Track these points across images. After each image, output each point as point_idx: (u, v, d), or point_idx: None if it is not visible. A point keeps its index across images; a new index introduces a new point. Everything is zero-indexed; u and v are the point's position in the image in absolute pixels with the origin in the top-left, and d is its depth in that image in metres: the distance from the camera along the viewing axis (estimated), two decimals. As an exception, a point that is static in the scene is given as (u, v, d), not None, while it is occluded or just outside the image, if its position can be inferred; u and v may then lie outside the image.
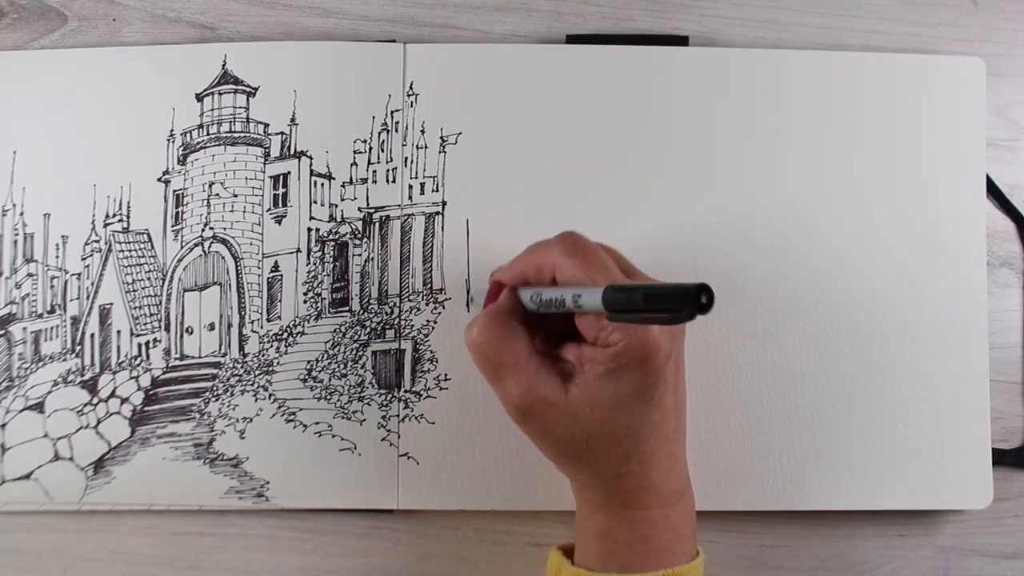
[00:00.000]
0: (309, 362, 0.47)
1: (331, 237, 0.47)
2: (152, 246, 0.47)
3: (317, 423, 0.46)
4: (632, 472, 0.38)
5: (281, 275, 0.47)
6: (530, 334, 0.39)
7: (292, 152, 0.48)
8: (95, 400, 0.47)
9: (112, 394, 0.47)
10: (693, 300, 0.31)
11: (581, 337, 0.38)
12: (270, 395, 0.46)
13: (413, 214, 0.48)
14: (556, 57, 0.48)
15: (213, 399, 0.46)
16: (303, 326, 0.47)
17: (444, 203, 0.47)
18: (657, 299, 0.32)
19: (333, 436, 0.46)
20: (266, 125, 0.48)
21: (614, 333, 0.36)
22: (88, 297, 0.47)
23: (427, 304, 0.47)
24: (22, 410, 0.47)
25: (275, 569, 0.47)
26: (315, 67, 0.48)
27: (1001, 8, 0.51)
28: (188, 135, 0.48)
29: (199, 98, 0.48)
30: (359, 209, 0.47)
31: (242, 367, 0.47)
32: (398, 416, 0.47)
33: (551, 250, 0.38)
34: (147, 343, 0.47)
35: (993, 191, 0.49)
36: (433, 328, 0.47)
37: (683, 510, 0.40)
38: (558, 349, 0.39)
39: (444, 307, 0.47)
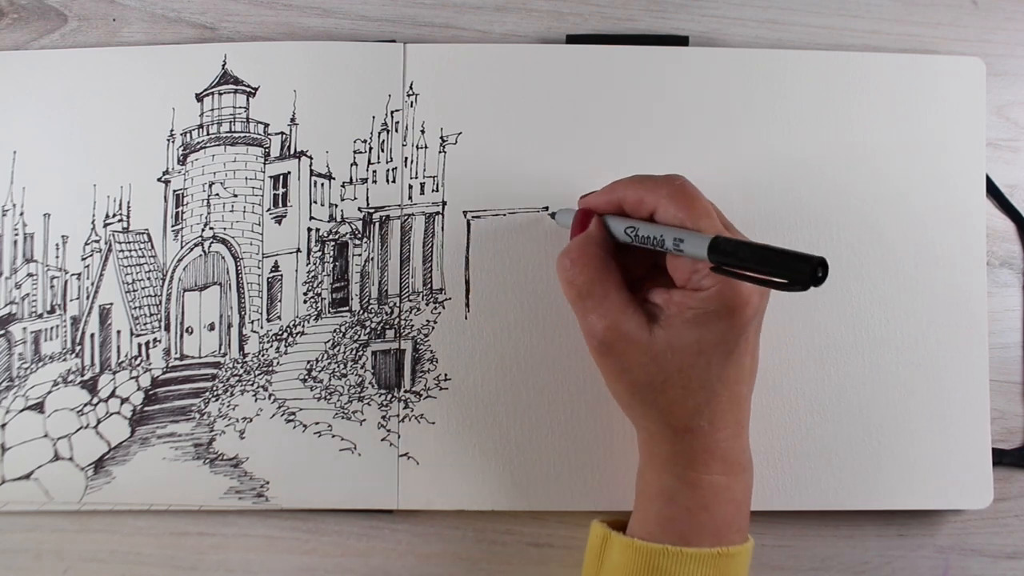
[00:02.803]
0: (309, 362, 0.47)
1: (331, 237, 0.47)
2: (152, 246, 0.47)
3: (317, 423, 0.46)
4: (701, 429, 0.38)
5: (281, 275, 0.47)
6: (617, 266, 0.39)
7: (292, 152, 0.48)
8: (95, 400, 0.47)
9: (112, 394, 0.47)
10: (810, 270, 0.30)
11: (663, 279, 0.39)
12: (270, 395, 0.46)
13: (413, 214, 0.48)
14: (556, 57, 0.48)
15: (213, 399, 0.46)
16: (303, 326, 0.47)
17: (444, 203, 0.47)
18: (769, 262, 0.32)
19: (333, 436, 0.46)
20: (266, 125, 0.48)
21: (706, 279, 0.36)
22: (88, 297, 0.47)
23: (427, 304, 0.47)
24: (22, 410, 0.47)
25: (275, 569, 0.47)
26: (315, 67, 0.48)
27: (1001, 8, 0.51)
28: (188, 135, 0.48)
29: (199, 98, 0.48)
30: (359, 209, 0.47)
31: (242, 367, 0.47)
32: (398, 416, 0.47)
33: (657, 187, 0.38)
34: (147, 343, 0.47)
35: (993, 191, 0.49)
36: (433, 328, 0.47)
37: (744, 484, 0.40)
38: (646, 292, 0.39)
39: (444, 307, 0.47)
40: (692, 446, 0.39)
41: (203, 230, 0.47)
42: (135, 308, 0.47)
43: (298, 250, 0.47)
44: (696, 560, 0.38)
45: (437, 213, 0.47)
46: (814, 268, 0.30)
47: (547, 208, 0.47)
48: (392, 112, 0.48)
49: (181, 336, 0.47)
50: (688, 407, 0.38)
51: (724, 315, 0.36)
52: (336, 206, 0.47)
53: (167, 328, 0.47)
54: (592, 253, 0.39)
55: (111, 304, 0.47)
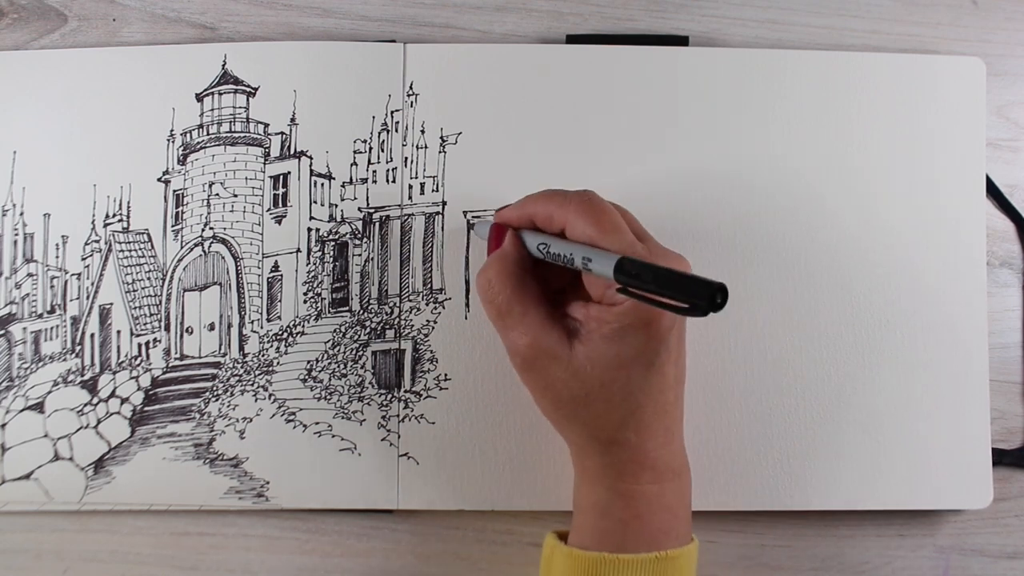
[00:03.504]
0: (309, 362, 0.47)
1: (331, 237, 0.47)
2: (152, 246, 0.47)
3: (317, 423, 0.46)
4: (628, 440, 0.38)
5: (281, 275, 0.47)
6: (536, 281, 0.39)
7: (292, 152, 0.48)
8: (95, 400, 0.47)
9: (112, 394, 0.47)
10: (708, 297, 0.31)
11: (584, 291, 0.38)
12: (270, 395, 0.46)
13: (413, 214, 0.48)
14: (556, 57, 0.48)
15: (213, 399, 0.46)
16: (303, 326, 0.47)
17: (444, 203, 0.47)
18: (671, 286, 0.32)
19: (333, 436, 0.46)
20: (266, 125, 0.48)
21: (618, 292, 0.36)
22: (88, 297, 0.47)
23: (427, 304, 0.47)
24: (22, 410, 0.47)
25: (275, 569, 0.47)
26: (315, 67, 0.48)
27: (1001, 8, 0.51)
28: (188, 135, 0.48)
29: (199, 98, 0.48)
30: (359, 209, 0.47)
31: (242, 367, 0.47)
32: (398, 416, 0.47)
33: (567, 203, 0.38)
34: (147, 343, 0.47)
35: (993, 191, 0.49)
36: (433, 328, 0.47)
37: (678, 490, 0.40)
38: (565, 307, 0.39)
39: (444, 307, 0.47)
40: (620, 458, 0.39)
41: (203, 230, 0.47)
42: (135, 308, 0.47)
43: (298, 250, 0.47)
44: (633, 566, 0.38)
45: (437, 213, 0.47)
46: (712, 294, 0.30)
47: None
48: (392, 112, 0.48)
49: (181, 336, 0.47)
50: (613, 420, 0.38)
51: (641, 328, 0.36)
52: (336, 206, 0.47)
53: (167, 328, 0.47)
54: (510, 271, 0.39)
55: (111, 304, 0.47)
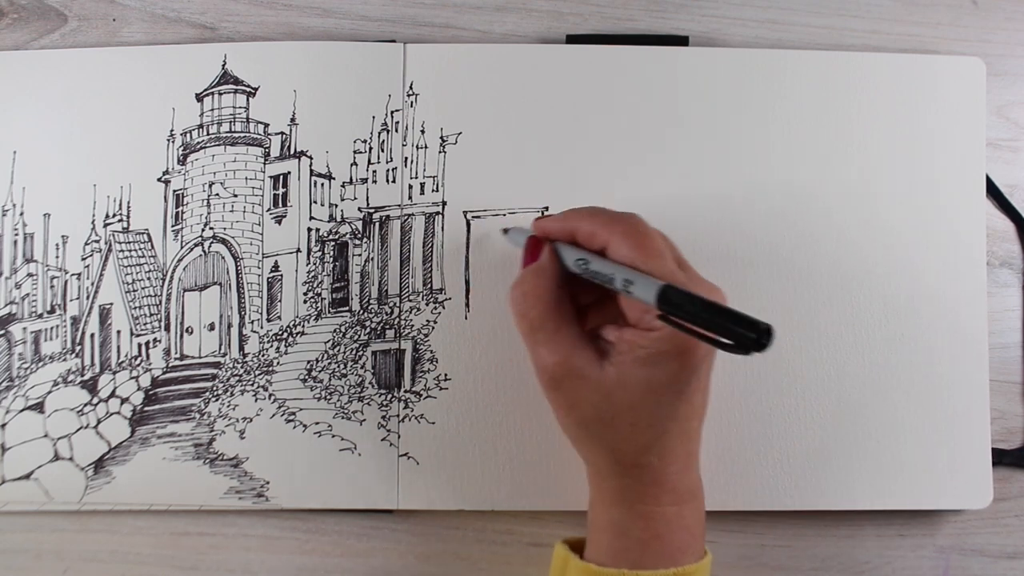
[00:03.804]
0: (309, 362, 0.47)
1: (331, 237, 0.47)
2: (152, 246, 0.47)
3: (317, 423, 0.46)
4: (651, 464, 0.38)
5: (281, 275, 0.47)
6: (569, 299, 0.39)
7: (292, 152, 0.48)
8: (95, 400, 0.47)
9: (112, 394, 0.47)
10: (754, 337, 0.30)
11: (612, 308, 0.38)
12: (270, 395, 0.47)
13: (413, 214, 0.48)
14: (556, 57, 0.48)
15: (213, 399, 0.46)
16: (303, 326, 0.47)
17: (444, 203, 0.47)
18: (716, 320, 0.31)
19: (333, 436, 0.46)
20: (266, 125, 0.48)
21: (657, 320, 0.36)
22: (88, 297, 0.47)
23: (427, 304, 0.47)
24: (22, 410, 0.47)
25: (275, 569, 0.47)
26: (315, 67, 0.48)
27: (1001, 8, 0.51)
28: (188, 135, 0.48)
29: (199, 98, 0.48)
30: (359, 209, 0.47)
31: (242, 367, 0.47)
32: (398, 416, 0.47)
33: (612, 223, 0.38)
34: (147, 343, 0.47)
35: (993, 191, 0.49)
36: (433, 328, 0.47)
37: (696, 510, 0.40)
38: (599, 328, 0.39)
39: (444, 307, 0.47)
40: (641, 481, 0.38)
41: (203, 230, 0.47)
42: (135, 308, 0.47)
43: (298, 250, 0.47)
44: None
45: (437, 213, 0.47)
46: (759, 335, 0.30)
47: (547, 208, 0.47)
48: (392, 112, 0.48)
49: (181, 336, 0.47)
50: (637, 443, 0.38)
51: (676, 356, 0.36)
52: (336, 206, 0.47)
53: (167, 328, 0.47)
54: (545, 287, 0.38)
55: (111, 304, 0.47)
